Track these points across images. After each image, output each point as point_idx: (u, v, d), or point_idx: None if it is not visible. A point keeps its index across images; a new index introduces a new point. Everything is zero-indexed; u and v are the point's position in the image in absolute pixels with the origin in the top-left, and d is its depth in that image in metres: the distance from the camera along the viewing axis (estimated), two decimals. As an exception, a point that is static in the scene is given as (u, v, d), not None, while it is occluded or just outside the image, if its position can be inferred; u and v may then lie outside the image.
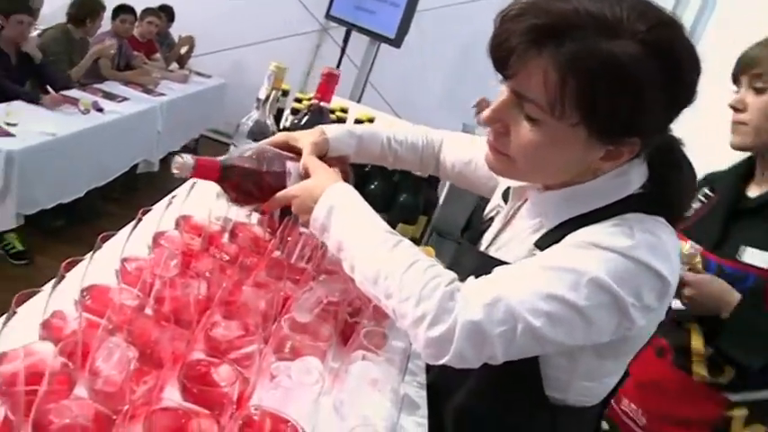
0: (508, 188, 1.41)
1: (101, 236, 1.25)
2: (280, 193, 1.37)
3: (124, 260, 1.33)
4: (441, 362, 1.12)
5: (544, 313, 1.07)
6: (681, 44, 1.06)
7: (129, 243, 1.34)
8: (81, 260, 1.18)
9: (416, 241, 2.18)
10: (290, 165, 1.41)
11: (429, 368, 1.51)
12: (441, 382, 1.44)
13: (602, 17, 1.02)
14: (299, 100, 2.10)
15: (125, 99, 5.53)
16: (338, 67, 6.20)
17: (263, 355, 1.18)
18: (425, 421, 1.32)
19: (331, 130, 1.54)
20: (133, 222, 1.36)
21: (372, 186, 2.08)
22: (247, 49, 7.80)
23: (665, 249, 1.12)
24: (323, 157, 1.48)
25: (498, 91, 1.17)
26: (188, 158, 1.27)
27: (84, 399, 0.94)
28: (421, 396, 1.41)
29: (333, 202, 1.28)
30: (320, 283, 1.45)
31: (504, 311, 1.08)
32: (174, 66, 7.35)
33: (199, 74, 7.42)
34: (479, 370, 1.15)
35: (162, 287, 1.24)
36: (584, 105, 1.04)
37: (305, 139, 1.48)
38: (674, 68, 1.05)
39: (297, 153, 1.46)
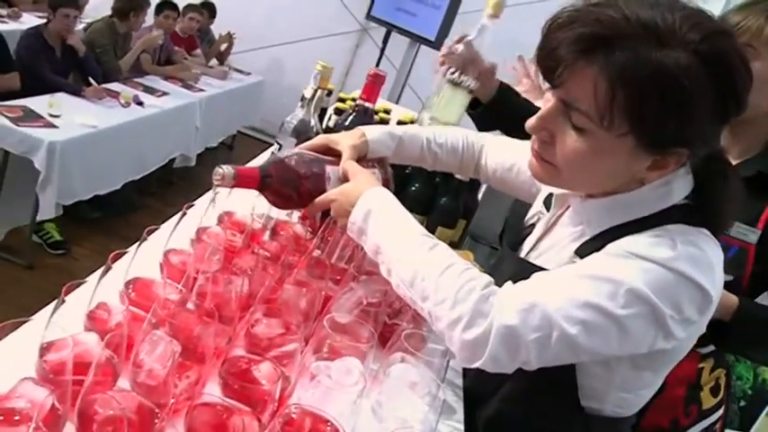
0: (550, 195, 1.39)
1: (147, 229, 1.26)
2: (319, 198, 1.37)
3: (168, 253, 1.34)
4: (475, 365, 1.11)
5: (580, 321, 1.05)
6: (734, 55, 1.03)
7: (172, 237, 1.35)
8: (126, 252, 1.19)
9: (455, 245, 2.17)
10: (329, 169, 1.41)
11: (465, 373, 1.51)
12: (476, 388, 1.43)
13: (654, 26, 1.00)
14: (342, 100, 2.10)
15: (165, 94, 5.59)
16: (377, 67, 6.21)
17: (303, 354, 1.18)
18: (462, 426, 1.31)
19: (371, 132, 1.53)
20: (177, 216, 1.37)
21: (413, 189, 2.07)
22: (286, 47, 7.84)
23: (708, 261, 1.09)
24: (362, 158, 1.48)
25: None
26: (229, 169, 1.27)
27: (128, 391, 0.95)
28: (458, 401, 1.40)
29: (370, 206, 1.27)
30: (361, 283, 1.45)
31: (540, 318, 1.07)
32: (214, 62, 7.41)
33: (238, 71, 7.47)
34: (515, 376, 1.14)
35: (204, 282, 1.25)
36: (634, 116, 1.02)
37: (344, 141, 1.47)
38: (725, 80, 1.02)
39: (336, 155, 1.46)
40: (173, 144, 5.59)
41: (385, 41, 7.04)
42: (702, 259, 1.09)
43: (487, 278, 1.15)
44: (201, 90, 6.15)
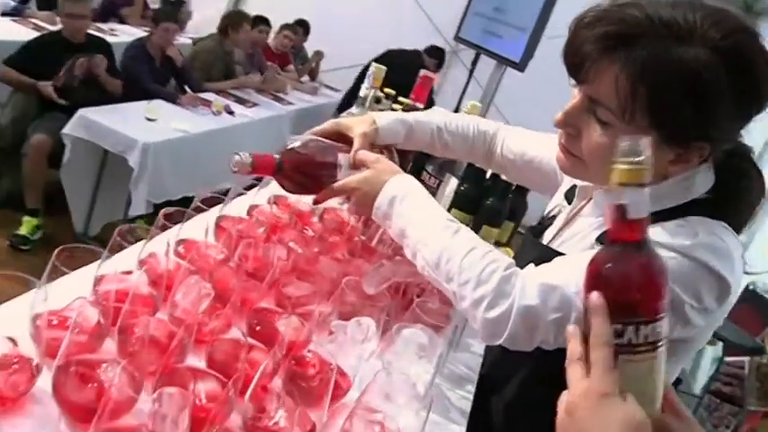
0: (571, 189, 1.44)
1: (201, 197, 1.41)
2: (337, 185, 1.42)
3: (219, 219, 1.49)
4: (496, 342, 1.18)
5: None
6: (755, 53, 1.07)
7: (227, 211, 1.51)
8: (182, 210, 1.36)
9: (502, 246, 2.24)
10: (340, 157, 1.45)
11: (483, 361, 1.58)
12: (493, 374, 1.50)
13: (675, 24, 1.06)
14: (398, 101, 2.21)
15: (255, 105, 5.86)
16: (465, 89, 6.34)
17: (326, 316, 1.30)
18: (471, 396, 1.39)
19: (381, 119, 1.57)
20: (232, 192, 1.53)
21: (463, 188, 2.17)
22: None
23: (728, 251, 1.12)
24: (372, 145, 1.52)
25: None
26: (246, 156, 1.35)
27: (163, 319, 1.09)
28: (470, 374, 1.48)
29: (395, 192, 1.35)
30: (393, 262, 1.55)
31: (560, 299, 1.13)
32: (306, 78, 7.68)
33: (328, 87, 7.73)
34: (532, 362, 1.20)
35: (246, 247, 1.39)
36: (654, 110, 1.08)
37: (356, 128, 1.50)
38: (746, 77, 1.05)
39: (347, 141, 1.51)
40: (260, 151, 5.81)
41: (474, 63, 7.13)
42: (722, 249, 1.11)
43: (509, 260, 1.22)
44: (291, 103, 6.42)
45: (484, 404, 1.45)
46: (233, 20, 5.98)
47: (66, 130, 4.10)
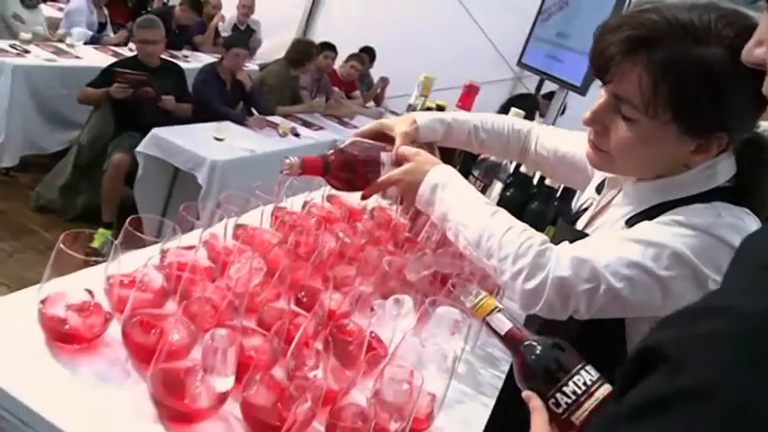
0: (602, 182, 1.53)
1: (255, 185, 1.55)
2: (381, 179, 1.52)
3: (275, 209, 1.62)
4: (533, 311, 1.28)
5: (626, 278, 1.21)
6: None
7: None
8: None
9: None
10: (383, 155, 1.54)
11: None
12: None
13: (692, 26, 1.16)
14: (441, 108, 2.30)
15: (321, 128, 6.06)
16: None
17: (367, 295, 1.41)
18: (503, 376, 1.47)
19: (421, 118, 1.68)
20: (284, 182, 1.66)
21: (508, 193, 2.26)
22: (440, 93, 8.16)
23: (749, 231, 1.20)
24: (412, 143, 1.62)
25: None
26: (296, 160, 1.44)
27: (221, 287, 1.22)
28: (504, 357, 1.56)
29: (436, 181, 1.46)
30: (436, 254, 1.66)
31: (590, 272, 1.23)
32: (371, 103, 7.87)
33: (393, 112, 7.88)
34: (564, 334, 1.29)
35: (299, 234, 1.52)
36: (675, 105, 1.17)
37: (397, 128, 1.61)
38: (759, 71, 1.15)
39: (389, 141, 1.61)
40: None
41: (538, 89, 7.20)
42: (744, 229, 1.19)
43: (544, 236, 1.33)
44: (356, 127, 6.56)
45: (517, 387, 1.52)
46: (303, 51, 6.21)
47: (140, 148, 4.35)
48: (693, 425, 0.52)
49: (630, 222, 1.33)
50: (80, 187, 4.66)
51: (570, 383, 0.96)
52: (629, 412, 0.58)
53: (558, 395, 0.96)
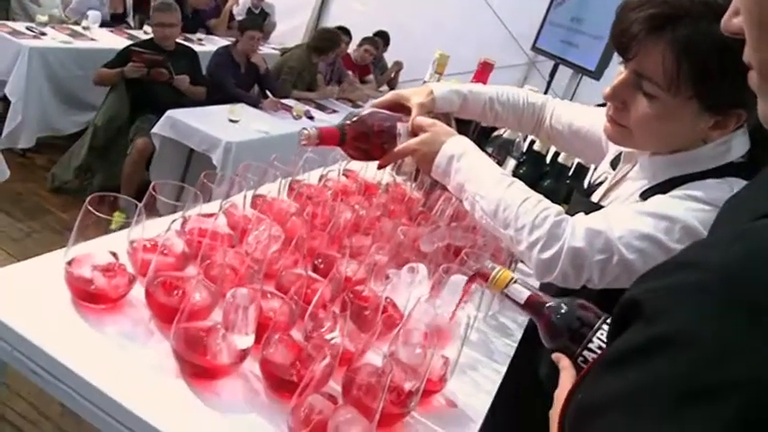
0: (617, 157, 1.55)
1: (273, 157, 1.58)
2: (398, 149, 1.54)
3: (293, 182, 1.65)
4: (548, 280, 1.32)
5: (638, 250, 1.24)
6: None
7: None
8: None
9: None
10: (399, 126, 1.56)
11: None
12: None
13: (714, 3, 1.17)
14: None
15: (334, 111, 6.08)
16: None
17: (383, 264, 1.43)
18: (515, 344, 1.50)
19: (438, 89, 1.69)
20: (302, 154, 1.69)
21: (522, 171, 2.28)
22: (455, 77, 8.16)
23: None
24: (428, 114, 1.63)
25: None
26: (313, 130, 1.46)
27: (240, 252, 1.25)
28: (518, 328, 1.59)
29: (452, 152, 1.48)
30: (449, 227, 1.69)
31: (604, 243, 1.26)
32: (385, 87, 7.87)
33: (406, 97, 7.88)
34: None
35: (315, 205, 1.55)
36: (697, 83, 1.19)
37: (414, 99, 1.62)
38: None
39: (406, 111, 1.61)
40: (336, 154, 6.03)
41: (552, 74, 7.18)
42: None
43: (559, 208, 1.36)
44: (368, 110, 6.60)
45: (530, 355, 1.55)
46: (328, 40, 6.23)
47: (156, 129, 4.39)
48: (664, 371, 0.55)
49: (645, 195, 1.36)
50: (96, 168, 4.70)
51: (595, 339, 0.99)
52: (609, 362, 0.62)
53: (585, 352, 0.99)
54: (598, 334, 0.99)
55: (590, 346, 0.99)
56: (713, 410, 0.51)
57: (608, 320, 1.01)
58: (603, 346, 0.98)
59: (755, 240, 0.56)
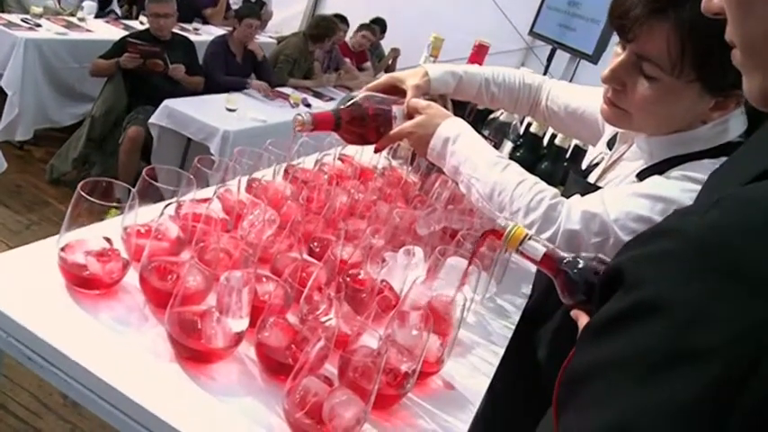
0: (613, 137, 1.54)
1: (269, 141, 1.57)
2: (393, 132, 1.53)
3: (288, 167, 1.64)
4: None
5: (633, 231, 1.23)
6: None
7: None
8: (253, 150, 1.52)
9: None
10: (395, 108, 1.55)
11: (531, 295, 1.69)
12: (540, 308, 1.61)
13: None
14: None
15: (332, 99, 6.06)
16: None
17: (379, 248, 1.43)
18: (512, 327, 1.50)
19: (433, 71, 1.70)
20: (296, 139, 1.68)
21: (518, 154, 2.28)
22: (452, 63, 8.14)
23: None
24: (424, 95, 1.63)
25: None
26: (307, 116, 1.45)
27: (235, 237, 1.25)
28: (516, 311, 1.59)
29: (448, 134, 1.48)
30: (447, 210, 1.68)
31: (600, 225, 1.26)
32: (382, 74, 7.82)
33: (403, 84, 7.86)
34: None
35: (311, 190, 1.54)
36: (700, 65, 1.18)
37: (409, 81, 1.63)
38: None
39: (401, 94, 1.62)
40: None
41: (550, 59, 7.15)
42: None
43: (555, 190, 1.36)
44: (366, 98, 6.58)
45: (528, 336, 1.56)
46: (325, 28, 6.21)
47: (153, 119, 4.39)
48: (644, 337, 0.56)
49: (641, 176, 1.36)
50: (94, 159, 4.69)
51: None
52: (594, 330, 0.63)
53: None
54: None
55: None
56: (695, 373, 0.52)
57: None
58: None
59: (730, 207, 0.57)
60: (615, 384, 0.56)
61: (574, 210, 1.30)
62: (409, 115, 1.55)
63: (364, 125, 1.53)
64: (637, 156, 1.44)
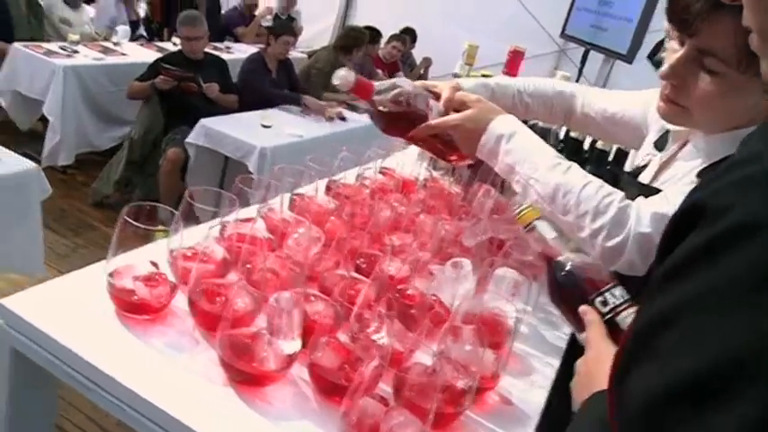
0: (661, 138, 1.50)
1: (309, 158, 1.56)
2: (436, 121, 1.47)
3: (329, 182, 1.63)
4: (613, 268, 1.27)
5: None
6: None
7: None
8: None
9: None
10: (432, 102, 1.51)
11: None
12: None
13: None
14: (486, 77, 2.29)
15: (366, 111, 6.04)
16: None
17: (426, 261, 1.40)
18: (566, 337, 1.46)
19: (466, 82, 1.67)
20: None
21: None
22: (485, 70, 8.10)
23: None
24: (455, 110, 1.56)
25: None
26: (351, 74, 1.41)
27: (281, 256, 1.23)
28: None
29: (501, 131, 1.43)
30: (492, 219, 1.65)
31: None
32: (414, 84, 7.83)
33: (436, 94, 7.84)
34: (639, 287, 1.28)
35: (354, 205, 1.52)
36: None
37: (443, 85, 1.60)
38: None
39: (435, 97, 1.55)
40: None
41: (583, 61, 7.07)
42: None
43: (622, 193, 1.32)
44: (400, 109, 6.57)
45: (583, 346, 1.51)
46: (354, 38, 6.23)
47: (190, 139, 4.42)
48: (734, 263, 0.53)
49: (702, 175, 1.31)
50: (135, 181, 4.75)
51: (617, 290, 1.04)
52: (672, 271, 0.59)
53: (599, 299, 1.04)
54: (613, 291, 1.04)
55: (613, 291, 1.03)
56: None
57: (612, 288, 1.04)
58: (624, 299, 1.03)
59: None
60: (716, 313, 0.53)
61: (643, 212, 1.26)
62: (447, 111, 1.50)
63: (401, 109, 1.47)
64: (693, 155, 1.39)
